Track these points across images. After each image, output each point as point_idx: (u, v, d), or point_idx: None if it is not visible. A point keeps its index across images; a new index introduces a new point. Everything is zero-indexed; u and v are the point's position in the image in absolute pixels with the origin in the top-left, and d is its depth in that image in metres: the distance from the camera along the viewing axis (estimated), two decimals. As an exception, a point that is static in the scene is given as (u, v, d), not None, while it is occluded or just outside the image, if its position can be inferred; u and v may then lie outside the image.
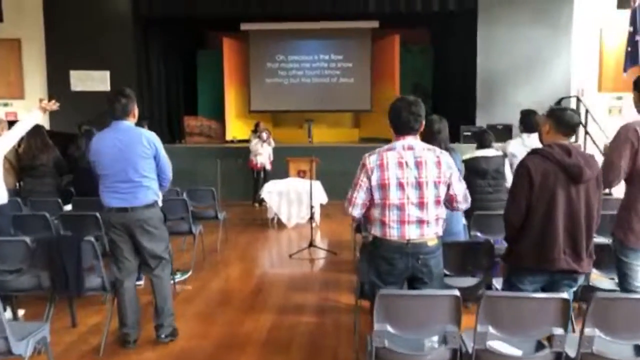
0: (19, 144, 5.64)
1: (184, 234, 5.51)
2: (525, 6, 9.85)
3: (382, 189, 2.63)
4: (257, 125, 9.40)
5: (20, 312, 4.07)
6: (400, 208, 2.62)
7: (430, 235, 2.67)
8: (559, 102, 9.94)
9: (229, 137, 11.92)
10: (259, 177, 9.23)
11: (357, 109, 12.36)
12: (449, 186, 2.67)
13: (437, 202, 2.66)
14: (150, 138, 3.40)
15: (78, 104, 9.99)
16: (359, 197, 2.68)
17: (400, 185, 2.61)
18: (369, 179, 2.65)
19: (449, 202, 2.71)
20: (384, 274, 2.70)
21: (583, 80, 10.02)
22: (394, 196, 2.61)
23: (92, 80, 10.36)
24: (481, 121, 9.96)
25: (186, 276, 5.14)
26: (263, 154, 9.19)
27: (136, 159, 3.34)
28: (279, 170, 9.09)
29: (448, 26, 11.32)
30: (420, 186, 2.61)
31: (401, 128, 2.68)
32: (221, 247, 6.26)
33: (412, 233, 2.63)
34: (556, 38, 9.89)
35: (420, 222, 2.63)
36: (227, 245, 6.48)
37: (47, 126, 9.20)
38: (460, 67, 10.83)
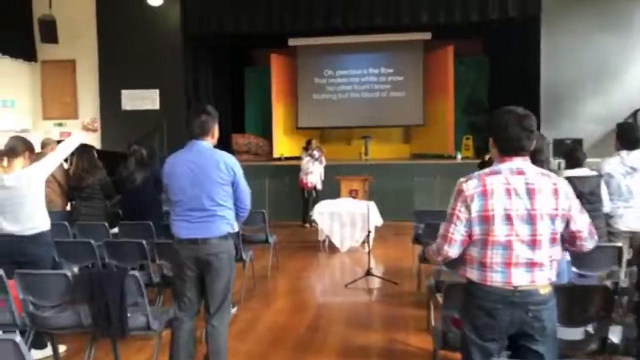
0: (70, 164, 5.47)
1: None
2: (592, 11, 9.09)
3: (485, 221, 2.10)
4: (308, 142, 9.00)
5: (62, 348, 3.76)
6: (507, 246, 2.08)
7: (543, 281, 2.12)
8: (634, 114, 9.08)
9: (276, 154, 11.62)
10: (309, 197, 8.82)
11: (409, 123, 11.82)
12: (568, 221, 2.12)
13: (553, 240, 2.11)
14: (228, 162, 3.00)
15: (128, 123, 9.97)
16: (457, 231, 2.15)
17: (508, 218, 2.08)
18: (468, 208, 2.13)
19: (571, 240, 2.15)
20: (482, 329, 2.16)
21: (661, 89, 9.11)
22: (499, 231, 2.08)
23: (141, 99, 10.31)
24: (547, 135, 9.15)
25: (235, 309, 4.72)
26: (314, 173, 8.78)
27: (211, 185, 2.95)
28: (329, 190, 8.64)
29: (505, 35, 10.65)
30: (532, 220, 2.07)
31: (508, 147, 2.16)
32: (272, 274, 5.83)
33: (520, 278, 2.09)
34: (628, 44, 9.05)
35: (531, 264, 2.09)
36: (277, 271, 6.04)
37: (98, 146, 9.21)
38: (520, 78, 10.11)
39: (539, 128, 9.28)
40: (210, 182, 2.94)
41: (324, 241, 7.12)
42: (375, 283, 5.50)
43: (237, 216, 3.12)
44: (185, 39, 10.34)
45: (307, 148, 8.93)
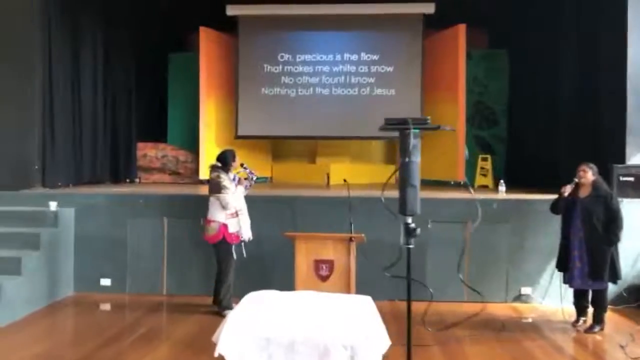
0: None
1: None
2: None
3: None
4: (225, 156, 4.57)
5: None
6: None
7: None
8: None
9: (203, 175, 7.28)
10: (227, 259, 4.44)
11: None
12: None
13: None
14: None
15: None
16: None
17: None
18: None
19: None
20: None
21: None
22: None
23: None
24: (639, 156, 5.21)
25: None
26: (244, 211, 4.46)
27: None
28: (273, 253, 4.34)
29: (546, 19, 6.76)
30: None
31: None
32: None
33: None
34: None
35: None
36: None
37: None
38: (573, 79, 6.16)
39: (623, 148, 5.17)
40: None
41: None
42: None
43: None
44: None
45: (223, 161, 4.52)
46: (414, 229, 2.59)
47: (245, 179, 4.65)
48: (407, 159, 2.53)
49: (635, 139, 5.22)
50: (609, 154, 5.30)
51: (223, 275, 4.43)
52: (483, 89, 8.17)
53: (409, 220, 2.62)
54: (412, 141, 2.51)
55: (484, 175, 7.18)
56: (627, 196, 4.84)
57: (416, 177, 2.57)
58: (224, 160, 4.47)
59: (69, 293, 5.05)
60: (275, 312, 2.62)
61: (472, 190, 3.30)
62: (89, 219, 5.10)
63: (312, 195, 5.46)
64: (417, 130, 2.47)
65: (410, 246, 2.61)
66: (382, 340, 2.70)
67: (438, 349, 3.70)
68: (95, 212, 5.14)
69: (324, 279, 3.57)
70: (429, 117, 2.75)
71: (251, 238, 4.52)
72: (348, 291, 3.50)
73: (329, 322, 2.53)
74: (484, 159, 7.29)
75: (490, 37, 8.33)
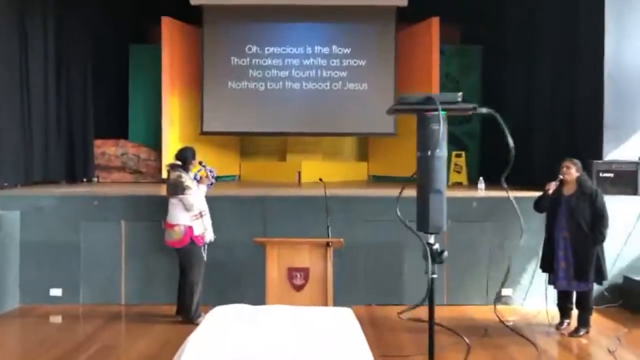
0: None
1: None
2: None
3: None
4: (185, 154, 4.21)
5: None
6: None
7: None
8: None
9: (167, 174, 6.83)
10: (196, 263, 4.11)
11: (374, 131, 7.39)
12: None
13: None
14: None
15: None
16: None
17: None
18: None
19: None
20: None
21: None
22: None
23: None
24: (616, 152, 5.13)
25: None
26: (207, 212, 4.17)
27: None
28: (242, 259, 4.01)
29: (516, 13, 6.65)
30: None
31: None
32: None
33: None
34: None
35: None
36: None
37: None
38: (548, 72, 6.07)
39: (601, 144, 5.01)
40: None
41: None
42: None
43: None
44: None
45: (183, 159, 4.19)
46: (441, 252, 1.94)
47: (206, 177, 4.34)
48: (428, 153, 1.89)
49: (612, 134, 5.14)
50: (586, 150, 5.19)
51: (193, 281, 4.07)
52: (455, 84, 8.02)
53: (432, 239, 1.98)
54: (440, 127, 1.86)
55: (458, 172, 7.03)
56: (606, 192, 4.68)
57: (442, 180, 1.94)
58: (184, 159, 4.12)
59: (15, 305, 4.56)
60: (244, 330, 2.29)
61: (507, 189, 2.32)
62: (36, 223, 4.61)
63: (283, 195, 5.14)
64: (444, 113, 1.87)
65: (434, 276, 1.98)
66: (363, 358, 2.40)
67: (422, 359, 3.45)
68: (43, 215, 4.65)
69: (299, 288, 3.26)
70: (459, 93, 2.05)
71: (212, 240, 4.21)
72: (325, 301, 3.22)
73: (305, 341, 2.22)
74: (458, 156, 7.14)
75: (463, 33, 8.22)
